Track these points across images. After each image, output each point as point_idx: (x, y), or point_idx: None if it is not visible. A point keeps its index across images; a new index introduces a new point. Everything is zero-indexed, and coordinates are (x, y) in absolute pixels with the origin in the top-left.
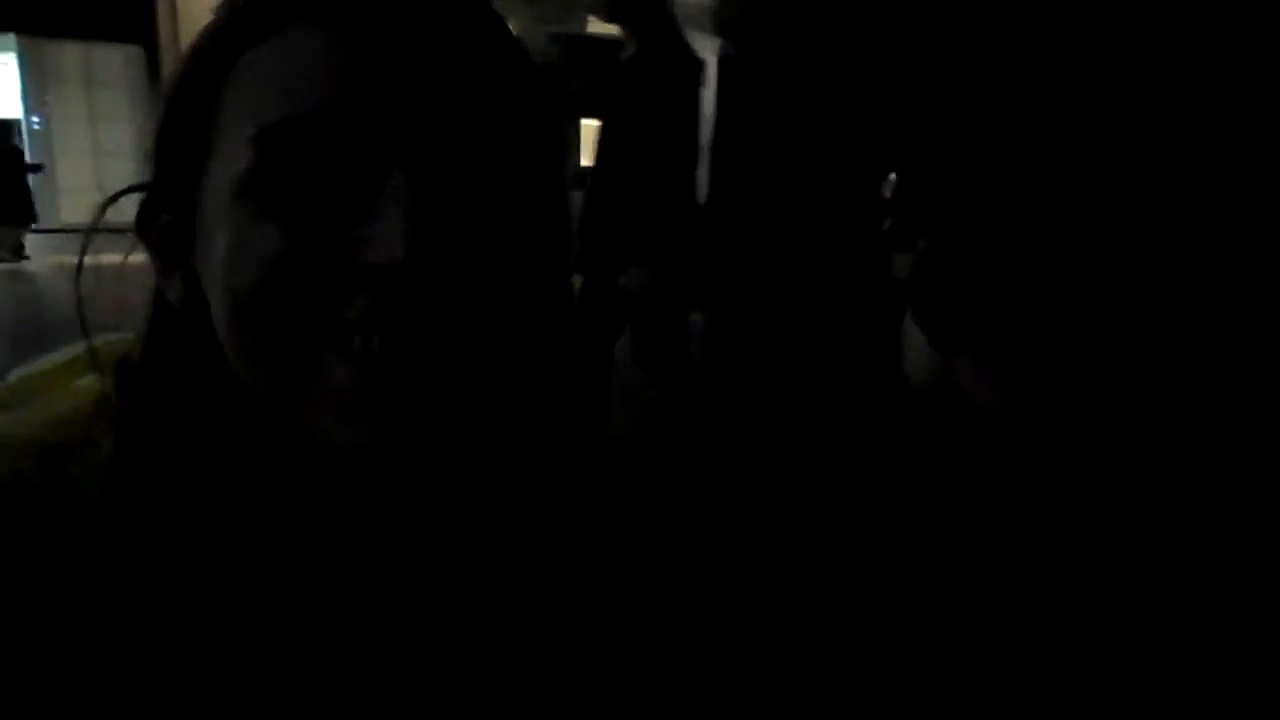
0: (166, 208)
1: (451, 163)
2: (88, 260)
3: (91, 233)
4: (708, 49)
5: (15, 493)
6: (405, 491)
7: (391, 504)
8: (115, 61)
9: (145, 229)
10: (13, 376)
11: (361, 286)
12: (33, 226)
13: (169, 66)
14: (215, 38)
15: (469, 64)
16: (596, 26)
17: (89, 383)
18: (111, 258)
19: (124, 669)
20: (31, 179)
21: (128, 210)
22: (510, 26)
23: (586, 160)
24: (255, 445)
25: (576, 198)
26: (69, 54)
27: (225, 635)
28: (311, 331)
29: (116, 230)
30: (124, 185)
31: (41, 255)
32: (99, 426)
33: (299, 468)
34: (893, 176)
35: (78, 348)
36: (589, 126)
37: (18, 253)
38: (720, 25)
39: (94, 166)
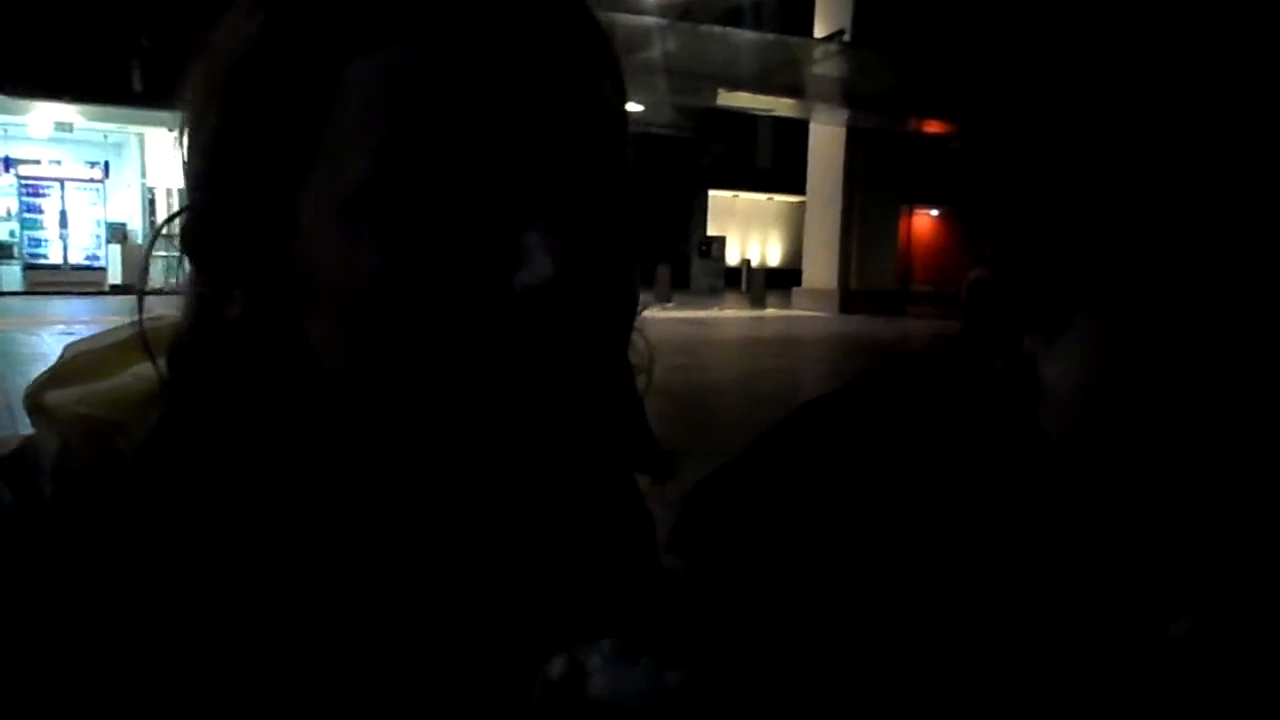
0: (230, 224)
1: (581, 184)
2: None
3: (152, 244)
4: (836, 119)
5: (63, 461)
6: (464, 507)
7: (443, 517)
8: None
9: (195, 246)
10: (69, 352)
11: (508, 319)
12: None
13: None
14: (308, 42)
15: (579, 80)
16: (726, 99)
17: (148, 367)
18: None
19: (149, 647)
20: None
21: None
22: (641, 99)
23: (714, 230)
24: (306, 445)
25: None
26: None
27: (251, 624)
28: (445, 372)
29: None
30: None
31: None
32: (153, 409)
33: (348, 469)
34: None
35: (128, 330)
36: (717, 197)
37: None
38: (851, 98)
39: None
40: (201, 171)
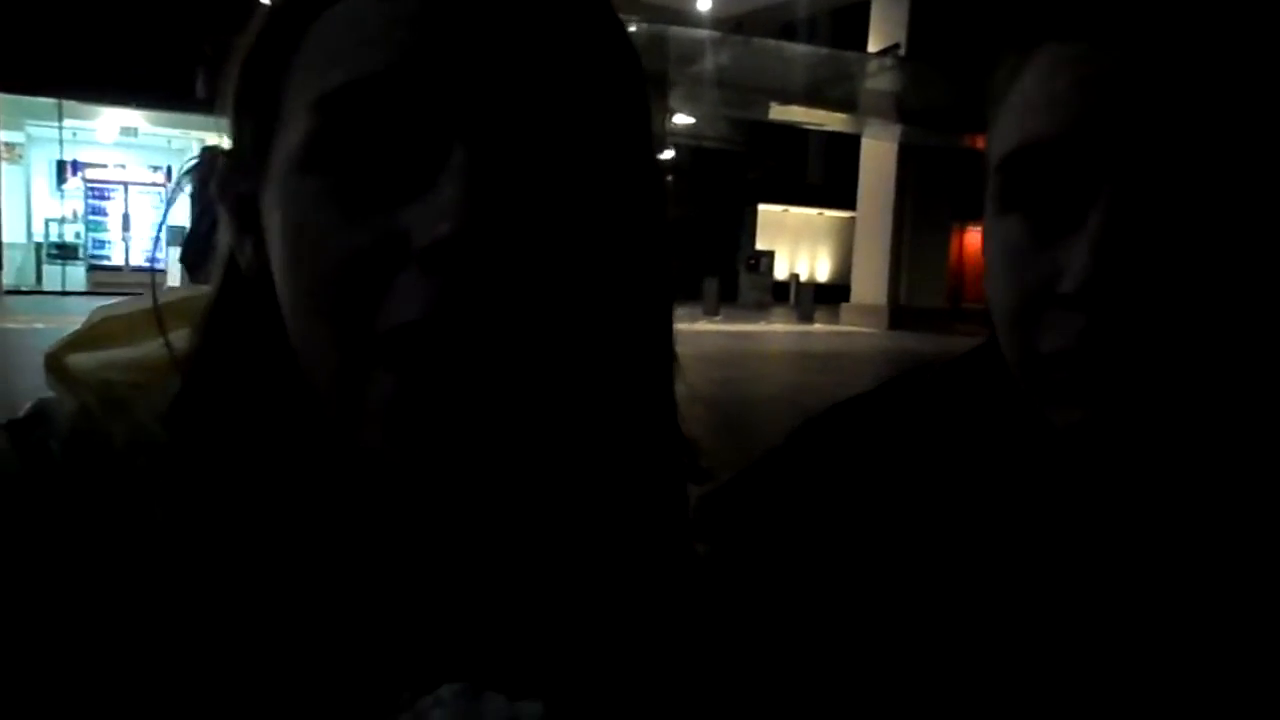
0: (241, 174)
1: (522, 142)
2: None
3: (175, 192)
4: (889, 135)
5: (79, 424)
6: (451, 494)
7: (436, 504)
8: None
9: (223, 192)
10: (96, 316)
11: (413, 274)
12: None
13: None
14: (288, 3)
15: (551, 39)
16: (778, 113)
17: (176, 335)
18: None
19: (153, 615)
20: None
21: None
22: (693, 112)
23: (763, 244)
24: (311, 421)
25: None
26: None
27: (268, 597)
28: (361, 337)
29: None
30: None
31: None
32: (175, 376)
33: (351, 452)
34: None
35: (168, 296)
36: (767, 211)
37: None
38: (904, 112)
39: None
40: (229, 126)
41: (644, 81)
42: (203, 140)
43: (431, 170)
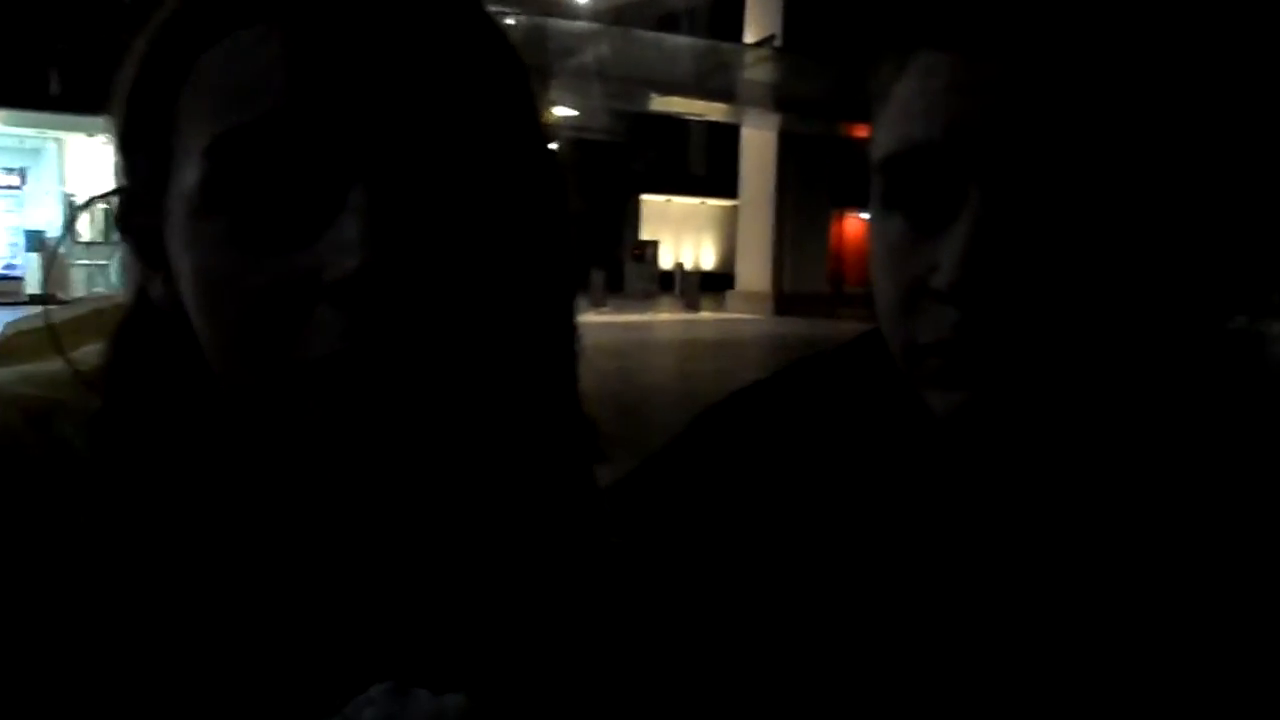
0: (140, 210)
1: (418, 168)
2: None
3: (68, 232)
4: (768, 124)
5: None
6: (380, 485)
7: (366, 494)
8: None
9: (126, 228)
10: (9, 330)
11: (323, 310)
12: None
13: None
14: (167, 37)
15: (439, 66)
16: (659, 104)
17: (93, 348)
18: None
19: (97, 628)
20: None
21: None
22: (574, 104)
23: (647, 234)
24: (234, 430)
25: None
26: None
27: (199, 606)
28: (279, 368)
29: None
30: None
31: None
32: (94, 391)
33: (278, 452)
34: None
35: (80, 309)
36: (650, 202)
37: None
38: (781, 102)
39: None
40: (117, 163)
41: (528, 80)
42: (59, 140)
43: (331, 206)
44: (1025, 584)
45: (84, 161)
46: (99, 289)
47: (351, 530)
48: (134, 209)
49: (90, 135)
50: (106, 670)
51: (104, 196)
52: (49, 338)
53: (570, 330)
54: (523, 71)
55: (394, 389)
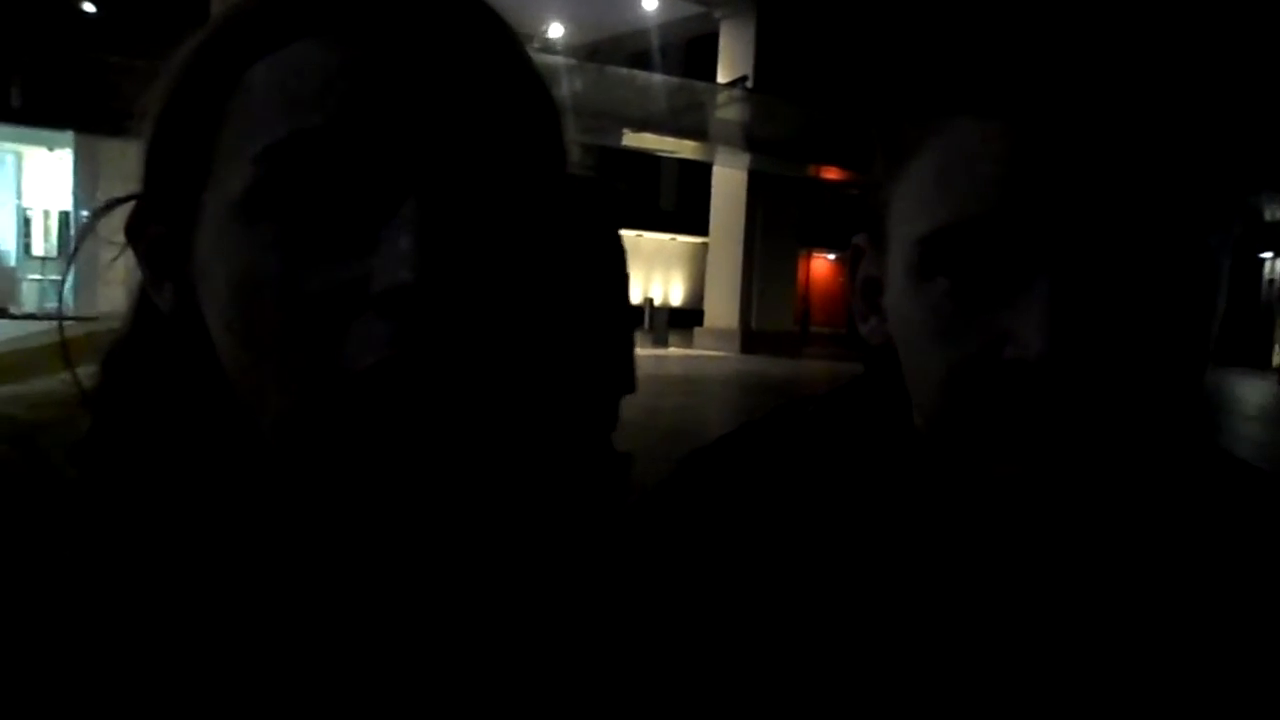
0: (158, 219)
1: (467, 186)
2: None
3: (83, 238)
4: (738, 163)
5: None
6: (390, 505)
7: (374, 514)
8: None
9: (135, 237)
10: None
11: (369, 319)
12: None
13: None
14: (220, 46)
15: (485, 86)
16: (631, 140)
17: (80, 369)
18: None
19: (84, 648)
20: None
21: None
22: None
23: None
24: (233, 444)
25: None
26: (120, 151)
27: (191, 621)
28: (316, 379)
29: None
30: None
31: None
32: (81, 411)
33: (279, 469)
34: None
35: (73, 329)
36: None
37: None
38: (752, 141)
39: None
40: (142, 171)
41: (557, 112)
42: (18, 153)
43: (382, 217)
44: (1022, 647)
45: (41, 176)
46: (50, 304)
47: (362, 548)
48: (148, 216)
49: (50, 149)
50: (81, 693)
51: (119, 202)
52: (42, 355)
53: (609, 366)
54: (552, 105)
55: (438, 399)
